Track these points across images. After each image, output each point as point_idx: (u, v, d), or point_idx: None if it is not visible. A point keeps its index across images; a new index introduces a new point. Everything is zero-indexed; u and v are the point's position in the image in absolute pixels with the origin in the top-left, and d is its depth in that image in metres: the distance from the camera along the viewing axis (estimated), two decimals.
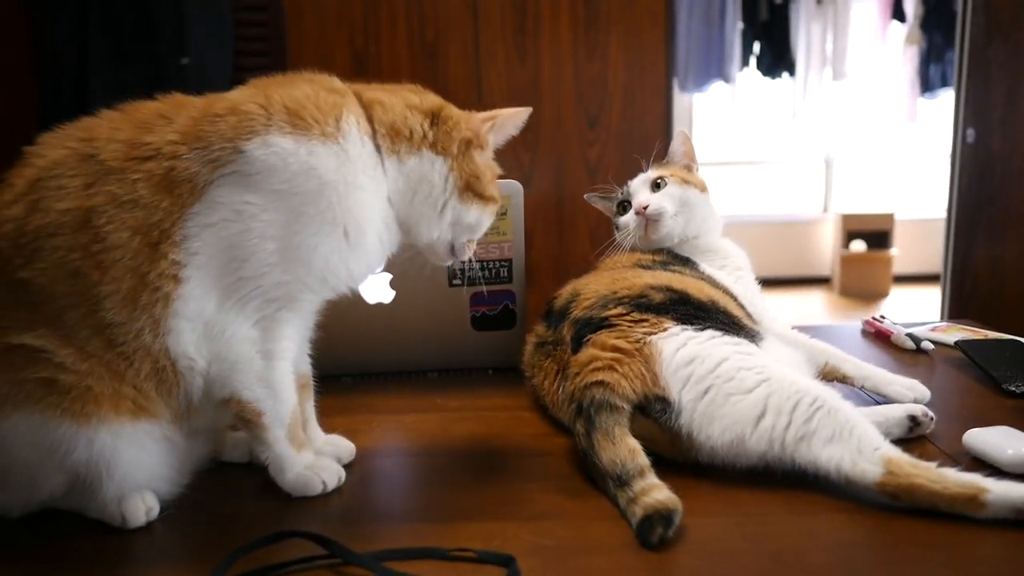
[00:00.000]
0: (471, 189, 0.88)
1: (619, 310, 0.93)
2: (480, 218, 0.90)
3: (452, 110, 0.89)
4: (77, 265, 0.74)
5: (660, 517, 0.72)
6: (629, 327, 0.90)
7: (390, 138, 0.84)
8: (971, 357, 1.14)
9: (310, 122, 0.78)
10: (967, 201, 2.88)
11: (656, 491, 0.75)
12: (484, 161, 0.89)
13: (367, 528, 0.77)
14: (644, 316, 0.91)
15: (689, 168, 1.20)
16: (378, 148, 0.84)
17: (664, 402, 0.84)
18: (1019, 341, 1.20)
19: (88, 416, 0.74)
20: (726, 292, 1.02)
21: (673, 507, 0.73)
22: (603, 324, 0.92)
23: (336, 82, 0.86)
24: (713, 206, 1.19)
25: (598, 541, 0.73)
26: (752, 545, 0.72)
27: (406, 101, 0.86)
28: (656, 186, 1.15)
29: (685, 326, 0.89)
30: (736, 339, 0.89)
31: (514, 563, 0.67)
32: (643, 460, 0.79)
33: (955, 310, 2.96)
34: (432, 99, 0.89)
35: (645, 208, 1.11)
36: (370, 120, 0.84)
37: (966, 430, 0.88)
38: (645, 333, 0.88)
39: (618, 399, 0.84)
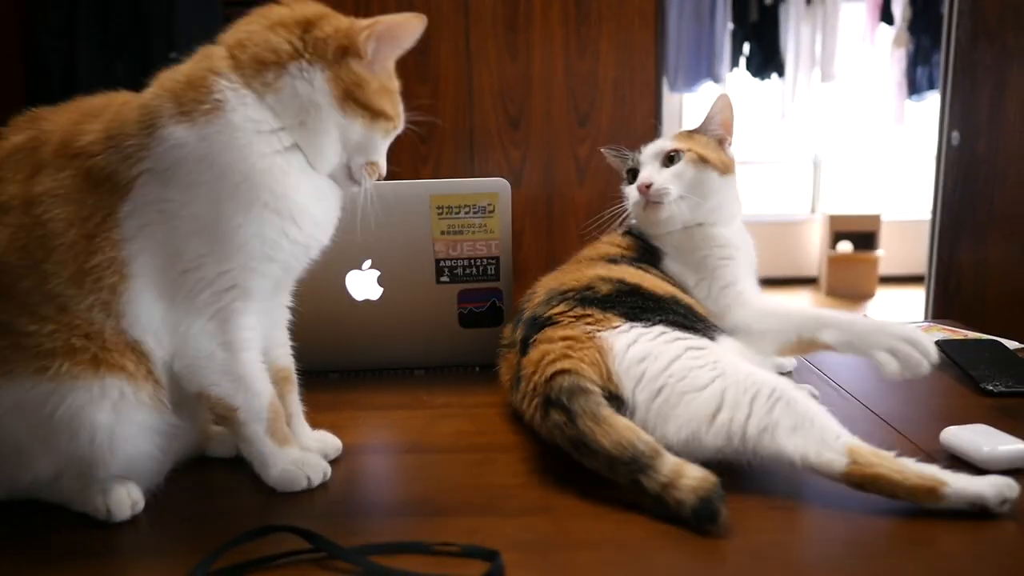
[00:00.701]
0: (353, 99, 0.80)
1: (562, 307, 0.90)
2: (368, 135, 0.82)
3: (331, 19, 0.81)
4: (25, 242, 0.76)
5: (717, 495, 0.72)
6: (571, 322, 0.87)
7: (257, 74, 0.77)
8: (951, 357, 1.16)
9: (191, 105, 0.76)
10: (951, 203, 2.91)
11: (689, 469, 0.74)
12: (368, 72, 0.81)
13: (352, 523, 0.78)
14: (587, 311, 0.88)
15: (722, 142, 1.07)
16: (255, 91, 0.78)
17: (618, 400, 0.83)
18: (998, 341, 1.22)
19: (46, 369, 0.74)
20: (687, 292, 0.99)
21: (715, 480, 0.73)
22: (547, 322, 0.90)
23: (206, 47, 0.81)
24: (735, 190, 1.06)
25: (580, 536, 0.74)
26: (731, 540, 0.73)
27: (271, 20, 0.80)
28: (669, 160, 1.04)
29: (633, 322, 0.87)
30: (687, 334, 0.87)
31: (498, 557, 0.68)
32: (648, 437, 0.77)
33: (939, 311, 2.99)
34: (308, 8, 0.82)
35: (648, 187, 1.01)
36: (237, 68, 0.78)
37: (944, 428, 0.89)
38: (592, 329, 0.86)
39: (587, 382, 0.82)
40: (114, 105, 0.81)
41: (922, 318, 3.10)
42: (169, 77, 0.80)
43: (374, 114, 0.82)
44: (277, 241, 0.79)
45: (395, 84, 0.86)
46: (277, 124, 0.79)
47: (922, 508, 0.75)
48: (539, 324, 0.91)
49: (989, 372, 1.10)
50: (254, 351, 0.82)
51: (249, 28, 0.81)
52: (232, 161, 0.76)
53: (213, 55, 0.80)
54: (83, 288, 0.76)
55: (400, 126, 0.87)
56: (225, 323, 0.79)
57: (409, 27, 0.82)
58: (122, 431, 0.77)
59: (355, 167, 0.84)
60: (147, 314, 0.78)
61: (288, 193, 0.79)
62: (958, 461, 0.85)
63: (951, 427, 0.89)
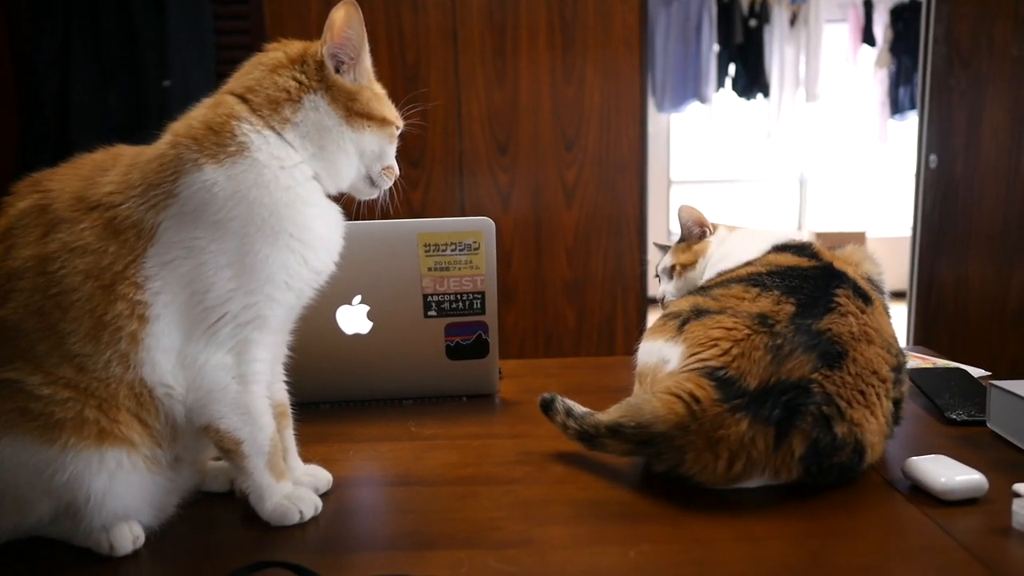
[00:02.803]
0: (355, 112, 0.89)
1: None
2: (381, 144, 0.92)
3: (311, 46, 0.89)
4: (41, 304, 0.79)
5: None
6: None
7: (276, 112, 0.85)
8: (918, 386, 1.21)
9: (215, 148, 0.82)
10: (931, 224, 2.98)
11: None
12: (351, 83, 0.89)
13: (342, 557, 0.81)
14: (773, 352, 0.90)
15: (703, 235, 1.26)
16: (275, 130, 0.85)
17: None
18: (963, 370, 1.27)
19: (53, 441, 0.78)
20: None
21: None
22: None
23: (215, 97, 0.88)
24: (729, 253, 1.17)
25: (559, 568, 0.78)
26: (699, 570, 0.77)
27: (271, 64, 0.88)
28: (670, 272, 1.27)
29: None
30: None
31: None
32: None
33: (921, 326, 3.05)
34: (295, 46, 0.90)
35: (662, 298, 1.29)
36: (254, 111, 0.85)
37: (909, 457, 0.94)
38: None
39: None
40: (124, 157, 0.85)
41: (905, 334, 3.16)
42: (184, 127, 0.85)
43: (379, 122, 0.91)
44: (298, 269, 0.85)
45: (381, 90, 0.94)
46: (298, 158, 0.86)
47: (879, 543, 0.79)
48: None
49: (954, 401, 1.15)
50: (263, 384, 0.87)
51: (253, 75, 0.88)
52: (260, 196, 0.82)
53: (226, 103, 0.86)
54: (100, 343, 0.79)
55: (400, 125, 0.96)
56: (241, 355, 0.84)
57: (347, 20, 0.87)
58: (115, 493, 0.80)
59: (375, 175, 0.93)
60: (166, 356, 0.82)
61: (308, 223, 0.86)
62: (920, 490, 0.90)
63: (912, 458, 0.93)
